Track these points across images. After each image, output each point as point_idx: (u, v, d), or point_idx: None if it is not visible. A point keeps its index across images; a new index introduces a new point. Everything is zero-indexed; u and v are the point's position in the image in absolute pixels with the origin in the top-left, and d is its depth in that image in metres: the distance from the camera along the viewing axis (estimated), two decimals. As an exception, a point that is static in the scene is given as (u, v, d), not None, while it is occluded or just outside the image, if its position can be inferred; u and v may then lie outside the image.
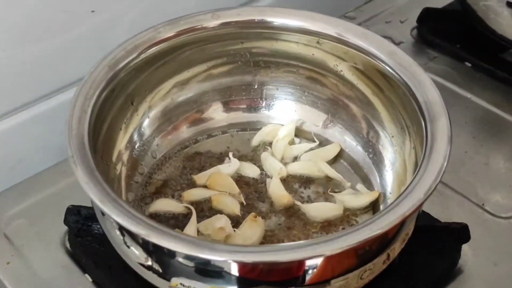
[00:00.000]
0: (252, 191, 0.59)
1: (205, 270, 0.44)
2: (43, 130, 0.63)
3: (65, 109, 0.50)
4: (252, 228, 0.53)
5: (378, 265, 0.48)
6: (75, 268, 0.56)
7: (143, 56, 0.56)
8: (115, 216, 0.43)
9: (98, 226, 0.54)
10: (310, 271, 0.44)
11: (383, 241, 0.47)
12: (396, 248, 0.49)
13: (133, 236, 0.46)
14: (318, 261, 0.44)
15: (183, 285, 0.45)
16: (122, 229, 0.46)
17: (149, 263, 0.46)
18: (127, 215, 0.43)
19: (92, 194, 0.44)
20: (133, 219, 0.43)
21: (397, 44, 0.78)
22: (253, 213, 0.55)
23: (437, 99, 0.51)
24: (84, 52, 0.60)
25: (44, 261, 0.57)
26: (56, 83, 0.63)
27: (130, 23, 0.63)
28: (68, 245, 0.58)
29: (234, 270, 0.43)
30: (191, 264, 0.44)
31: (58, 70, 0.62)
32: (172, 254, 0.44)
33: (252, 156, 0.62)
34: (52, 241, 0.58)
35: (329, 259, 0.43)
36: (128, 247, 0.47)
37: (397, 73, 0.54)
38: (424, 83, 0.53)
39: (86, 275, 0.55)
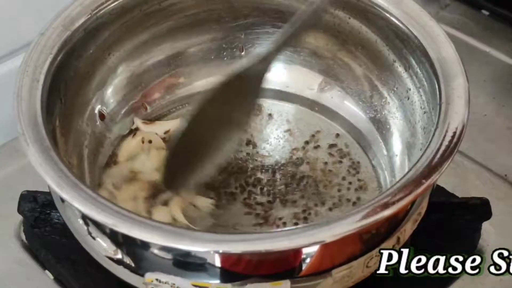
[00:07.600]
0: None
1: (185, 263, 0.44)
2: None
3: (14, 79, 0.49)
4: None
5: (387, 250, 0.47)
6: (34, 264, 0.56)
7: (103, 12, 0.55)
8: (76, 203, 0.43)
9: (58, 214, 0.54)
10: (307, 261, 0.44)
11: (391, 223, 0.47)
12: (407, 230, 0.49)
13: (99, 226, 0.45)
14: (316, 248, 0.43)
15: (160, 281, 0.45)
16: (85, 218, 0.46)
17: (119, 256, 0.46)
18: (91, 201, 0.43)
19: (48, 178, 0.44)
20: (98, 206, 0.42)
21: (403, -11, 0.77)
22: None
23: (453, 56, 0.51)
24: (35, 11, 0.59)
25: (-4, 257, 0.56)
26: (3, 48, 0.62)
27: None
28: (24, 237, 0.58)
29: (219, 262, 0.43)
30: (168, 256, 0.44)
31: (4, 33, 0.61)
32: (145, 245, 0.44)
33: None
34: (5, 233, 0.58)
35: (328, 246, 0.43)
36: (94, 238, 0.47)
37: (405, 26, 0.54)
38: (437, 37, 0.52)
39: (47, 271, 0.55)
